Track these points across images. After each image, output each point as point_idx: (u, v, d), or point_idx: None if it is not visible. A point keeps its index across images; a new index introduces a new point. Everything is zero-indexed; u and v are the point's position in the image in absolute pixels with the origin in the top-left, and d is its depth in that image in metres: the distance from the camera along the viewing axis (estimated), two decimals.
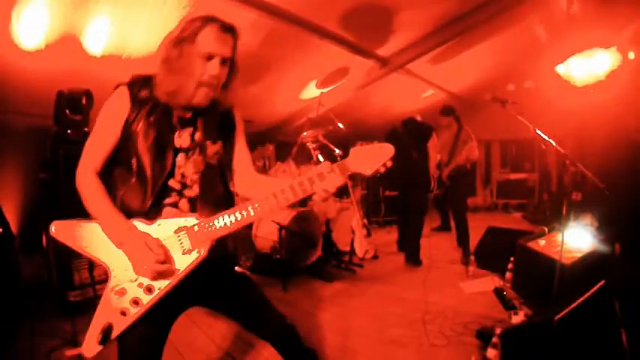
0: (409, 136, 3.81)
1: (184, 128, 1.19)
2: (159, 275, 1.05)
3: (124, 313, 1.04)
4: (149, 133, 1.12)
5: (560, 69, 3.67)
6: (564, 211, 2.24)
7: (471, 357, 1.93)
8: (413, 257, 3.72)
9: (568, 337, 1.40)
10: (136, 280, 1.06)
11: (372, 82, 4.69)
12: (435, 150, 3.86)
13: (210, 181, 1.22)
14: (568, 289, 2.00)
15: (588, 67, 3.48)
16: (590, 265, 2.36)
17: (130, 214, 1.09)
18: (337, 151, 3.66)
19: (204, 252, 1.09)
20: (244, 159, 1.35)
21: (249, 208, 1.10)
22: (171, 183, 1.16)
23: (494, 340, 1.77)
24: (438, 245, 4.28)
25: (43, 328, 2.33)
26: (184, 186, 1.18)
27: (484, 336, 2.02)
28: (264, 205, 1.10)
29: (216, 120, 1.26)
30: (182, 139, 1.18)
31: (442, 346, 2.11)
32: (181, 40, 1.09)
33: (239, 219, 1.10)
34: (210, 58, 1.09)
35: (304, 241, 3.45)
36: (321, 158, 3.63)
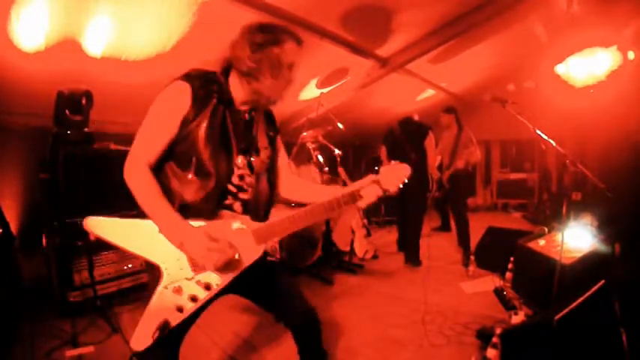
0: (406, 135, 3.80)
1: (245, 130, 1.21)
2: (226, 267, 1.08)
3: (180, 310, 1.06)
4: (213, 134, 1.11)
5: (560, 69, 3.67)
6: (564, 211, 2.24)
7: (471, 357, 1.93)
8: (413, 257, 3.72)
9: (568, 337, 1.40)
10: (193, 278, 1.08)
11: (371, 82, 4.68)
12: (433, 149, 3.84)
13: (261, 184, 1.24)
14: (568, 289, 1.99)
15: (588, 67, 3.47)
16: (590, 265, 2.35)
17: (184, 211, 1.08)
18: (337, 151, 3.66)
19: (261, 251, 1.16)
20: (285, 160, 1.39)
21: (306, 213, 1.17)
22: (229, 185, 1.17)
23: (495, 340, 1.77)
24: (438, 245, 4.29)
25: (43, 328, 2.33)
26: (240, 189, 1.19)
27: (484, 336, 2.02)
28: (316, 211, 1.18)
29: (269, 122, 1.30)
30: (243, 141, 1.19)
31: (442, 346, 2.11)
32: (267, 45, 1.13)
33: (296, 224, 1.18)
34: (290, 66, 1.18)
35: (304, 241, 3.45)
36: (320, 158, 3.63)
